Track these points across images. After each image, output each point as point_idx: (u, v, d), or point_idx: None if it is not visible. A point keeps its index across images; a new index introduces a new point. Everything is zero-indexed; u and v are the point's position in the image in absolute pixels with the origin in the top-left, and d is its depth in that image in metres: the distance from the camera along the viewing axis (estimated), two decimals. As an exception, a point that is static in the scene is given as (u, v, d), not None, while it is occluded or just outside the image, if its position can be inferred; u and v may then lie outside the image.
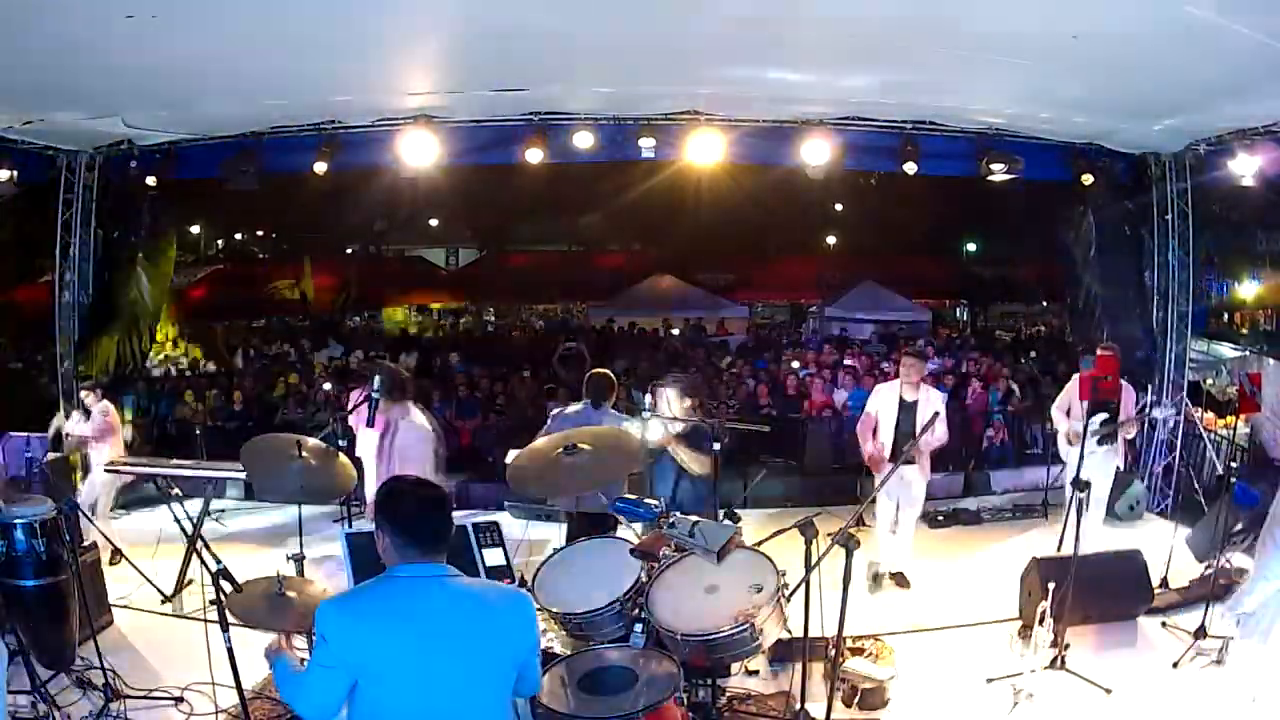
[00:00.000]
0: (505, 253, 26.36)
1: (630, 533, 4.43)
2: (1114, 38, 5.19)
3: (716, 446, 5.15)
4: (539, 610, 3.81)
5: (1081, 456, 5.74)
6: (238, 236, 29.27)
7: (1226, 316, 20.57)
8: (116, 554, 6.64)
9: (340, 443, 5.20)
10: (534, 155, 7.62)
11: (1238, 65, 5.53)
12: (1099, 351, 7.01)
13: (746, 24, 5.22)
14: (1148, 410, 7.72)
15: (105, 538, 6.46)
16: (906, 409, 6.31)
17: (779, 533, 3.80)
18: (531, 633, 2.64)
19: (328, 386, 11.66)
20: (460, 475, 9.02)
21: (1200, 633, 5.17)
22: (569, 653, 3.63)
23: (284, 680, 2.65)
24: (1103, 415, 6.17)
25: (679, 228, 23.41)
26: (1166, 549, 6.15)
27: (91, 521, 6.63)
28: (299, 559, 4.99)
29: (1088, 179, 8.10)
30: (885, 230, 23.73)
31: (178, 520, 6.60)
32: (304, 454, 4.56)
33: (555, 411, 6.09)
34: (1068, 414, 6.92)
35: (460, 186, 17.88)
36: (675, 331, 20.06)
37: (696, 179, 11.51)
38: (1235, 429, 8.86)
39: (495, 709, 2.54)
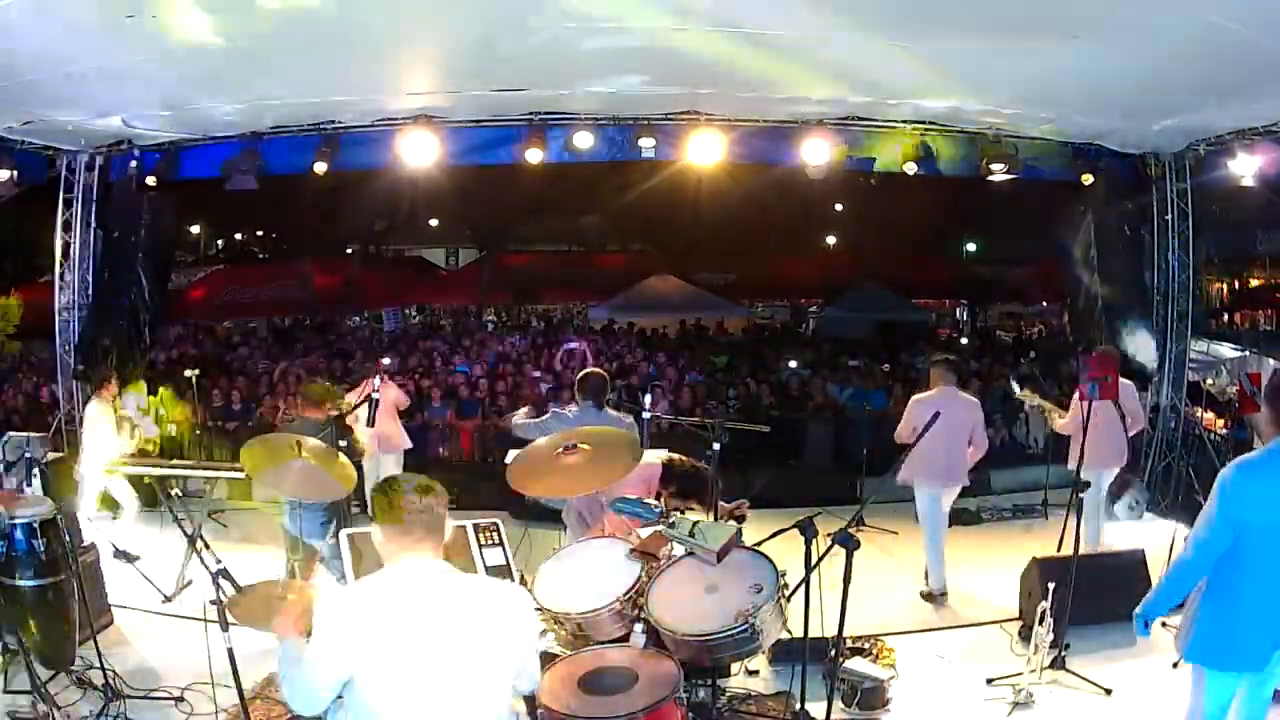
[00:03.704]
0: (505, 253, 26.35)
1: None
2: (1114, 38, 5.20)
3: (716, 446, 5.15)
4: (539, 610, 3.80)
5: (1081, 457, 5.73)
6: (238, 236, 29.30)
7: (1226, 316, 20.55)
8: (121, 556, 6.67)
9: (340, 443, 5.20)
10: (534, 155, 7.62)
11: (1238, 65, 5.53)
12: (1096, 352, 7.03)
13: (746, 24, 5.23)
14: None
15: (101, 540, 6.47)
16: None
17: (779, 533, 3.79)
18: (528, 628, 2.65)
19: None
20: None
21: (1200, 633, 5.16)
22: (569, 653, 3.62)
23: (284, 664, 2.67)
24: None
25: (679, 228, 23.42)
26: (1166, 549, 6.14)
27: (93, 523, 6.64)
28: (299, 559, 4.99)
29: (1088, 179, 8.11)
30: (885, 230, 23.73)
31: (177, 520, 6.62)
32: (304, 454, 4.56)
33: (554, 410, 6.06)
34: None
35: (460, 186, 17.88)
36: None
37: (696, 179, 11.53)
38: (1233, 429, 8.87)
39: (492, 703, 2.55)
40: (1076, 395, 6.99)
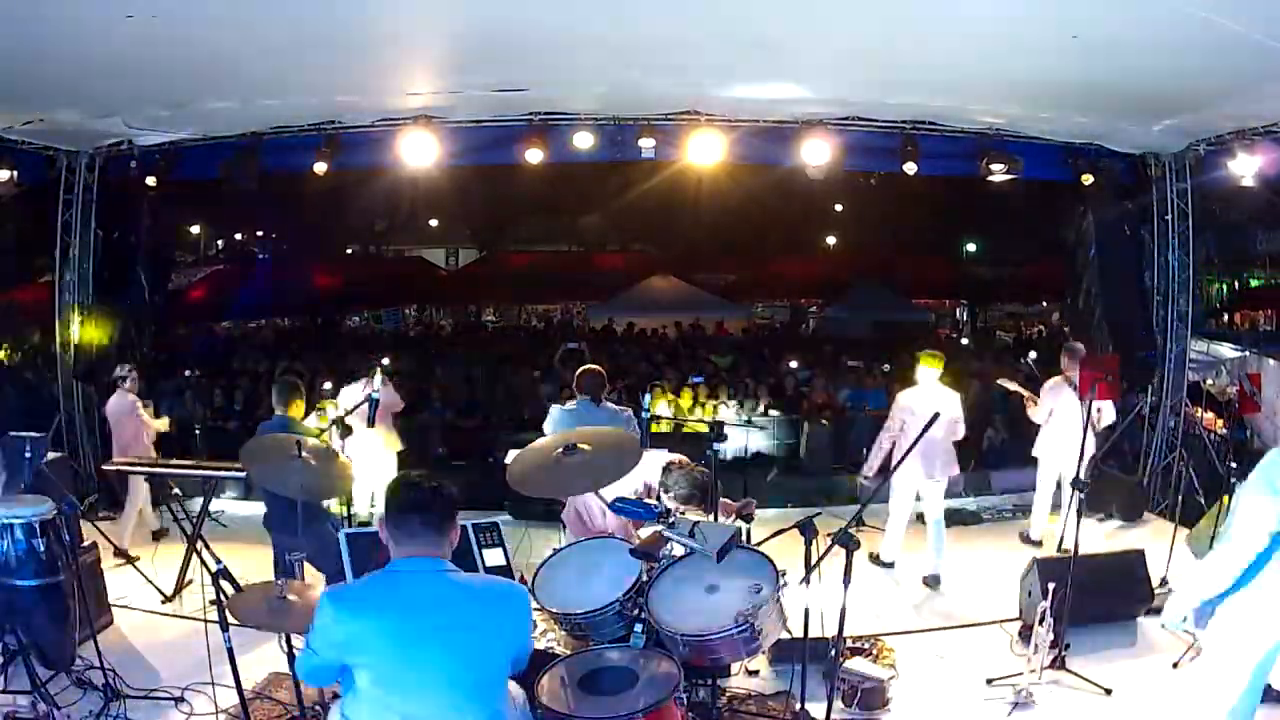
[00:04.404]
0: (505, 253, 26.36)
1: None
2: (1114, 38, 5.19)
3: (717, 446, 5.15)
4: (539, 610, 3.81)
5: (1081, 455, 5.73)
6: (238, 236, 29.31)
7: (1226, 316, 20.56)
8: (121, 555, 6.67)
9: (340, 443, 5.20)
10: (534, 155, 7.62)
11: (1238, 65, 5.52)
12: (1067, 352, 7.41)
13: (745, 23, 5.23)
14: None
15: (106, 538, 6.46)
16: None
17: (779, 533, 3.79)
18: (526, 625, 2.69)
19: (327, 386, 11.64)
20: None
21: (1201, 633, 5.18)
22: (569, 653, 3.62)
23: None
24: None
25: (679, 228, 23.42)
26: (1166, 549, 6.15)
27: (93, 523, 6.64)
28: (299, 559, 4.99)
29: (1088, 179, 8.10)
30: (885, 230, 23.73)
31: (177, 520, 6.63)
32: (304, 454, 4.56)
33: (554, 408, 6.12)
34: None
35: (460, 187, 17.88)
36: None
37: (696, 179, 11.51)
38: (1232, 429, 8.87)
39: (485, 700, 2.56)
40: (1046, 385, 7.38)
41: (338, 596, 2.60)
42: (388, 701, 2.47)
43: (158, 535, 7.46)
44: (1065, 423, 7.09)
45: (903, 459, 5.02)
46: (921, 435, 4.78)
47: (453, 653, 2.48)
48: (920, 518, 6.96)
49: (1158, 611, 5.73)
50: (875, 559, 6.92)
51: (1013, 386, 7.86)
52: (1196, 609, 3.47)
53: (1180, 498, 8.15)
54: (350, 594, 2.61)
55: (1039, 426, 7.44)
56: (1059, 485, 7.33)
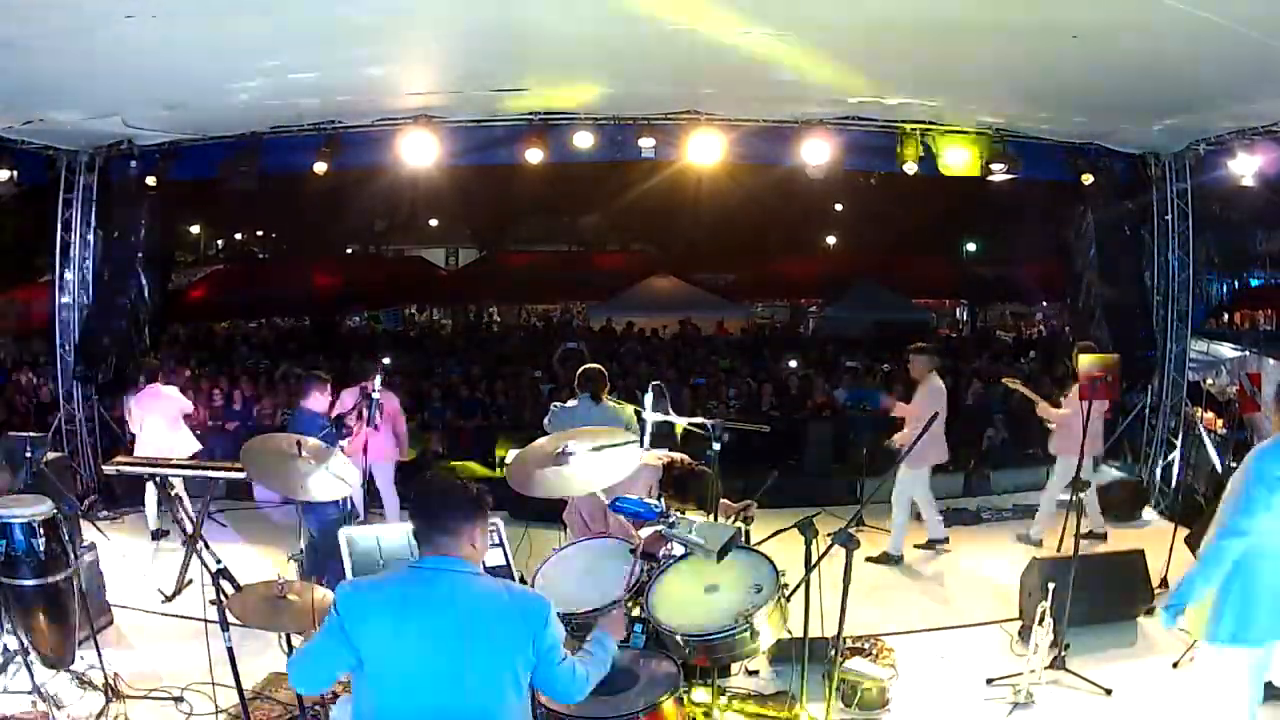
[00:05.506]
0: (505, 253, 26.35)
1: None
2: (1114, 38, 5.19)
3: (717, 446, 5.14)
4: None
5: (1081, 457, 5.74)
6: (238, 236, 29.34)
7: (1226, 316, 20.56)
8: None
9: (341, 444, 5.19)
10: (534, 155, 7.63)
11: (1238, 65, 5.53)
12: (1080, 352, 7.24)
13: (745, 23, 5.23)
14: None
15: (106, 538, 6.46)
16: None
17: (779, 533, 3.79)
18: (542, 636, 2.62)
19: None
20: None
21: (1200, 633, 5.17)
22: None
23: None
24: None
25: (679, 228, 23.44)
26: (1166, 549, 6.15)
27: (94, 523, 6.63)
28: (299, 559, 4.99)
29: (1088, 179, 8.11)
30: (885, 230, 23.73)
31: (177, 520, 6.63)
32: (304, 454, 4.56)
33: (555, 406, 6.12)
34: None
35: (460, 187, 17.90)
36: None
37: (696, 179, 11.53)
38: (1232, 429, 8.86)
39: (496, 705, 2.55)
40: (1074, 392, 7.15)
41: (358, 585, 2.66)
42: (389, 695, 2.47)
43: (157, 535, 7.47)
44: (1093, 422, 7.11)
45: (906, 453, 5.07)
46: (922, 434, 4.83)
47: (453, 653, 2.47)
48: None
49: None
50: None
51: (1016, 385, 7.87)
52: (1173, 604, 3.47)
53: (1180, 497, 8.14)
54: (362, 587, 2.63)
55: (1046, 427, 7.43)
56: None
